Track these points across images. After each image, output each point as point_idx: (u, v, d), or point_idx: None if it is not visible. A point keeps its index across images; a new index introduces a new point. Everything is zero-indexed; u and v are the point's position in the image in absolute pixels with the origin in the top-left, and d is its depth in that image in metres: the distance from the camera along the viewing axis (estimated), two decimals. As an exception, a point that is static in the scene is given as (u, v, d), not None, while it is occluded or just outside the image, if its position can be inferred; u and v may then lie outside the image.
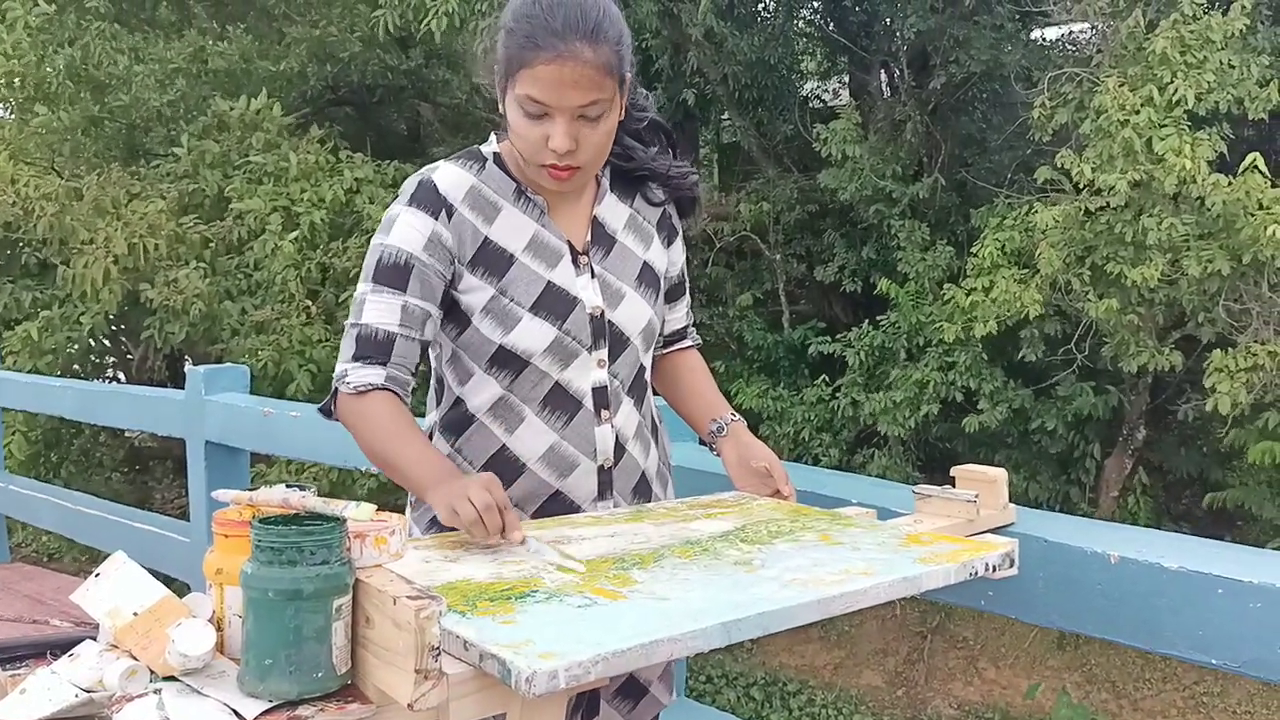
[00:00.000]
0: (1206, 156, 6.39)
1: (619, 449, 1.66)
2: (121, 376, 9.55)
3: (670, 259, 1.79)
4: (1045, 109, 7.30)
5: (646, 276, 1.71)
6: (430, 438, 1.66)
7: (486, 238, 1.61)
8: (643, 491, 1.70)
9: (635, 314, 1.67)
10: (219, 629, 1.09)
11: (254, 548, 1.01)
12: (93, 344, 8.74)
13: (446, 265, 1.58)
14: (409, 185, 1.60)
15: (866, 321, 8.91)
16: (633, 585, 1.22)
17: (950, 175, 9.44)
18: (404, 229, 1.57)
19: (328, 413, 1.60)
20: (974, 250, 7.74)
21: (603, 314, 1.64)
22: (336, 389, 1.57)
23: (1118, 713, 8.18)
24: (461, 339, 1.63)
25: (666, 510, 1.60)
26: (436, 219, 1.57)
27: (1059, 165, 7.00)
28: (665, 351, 1.87)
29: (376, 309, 1.56)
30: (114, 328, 8.87)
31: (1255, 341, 6.48)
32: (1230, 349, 6.54)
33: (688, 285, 1.87)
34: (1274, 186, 6.24)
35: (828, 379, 8.98)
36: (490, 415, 1.62)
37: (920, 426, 8.49)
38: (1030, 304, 6.90)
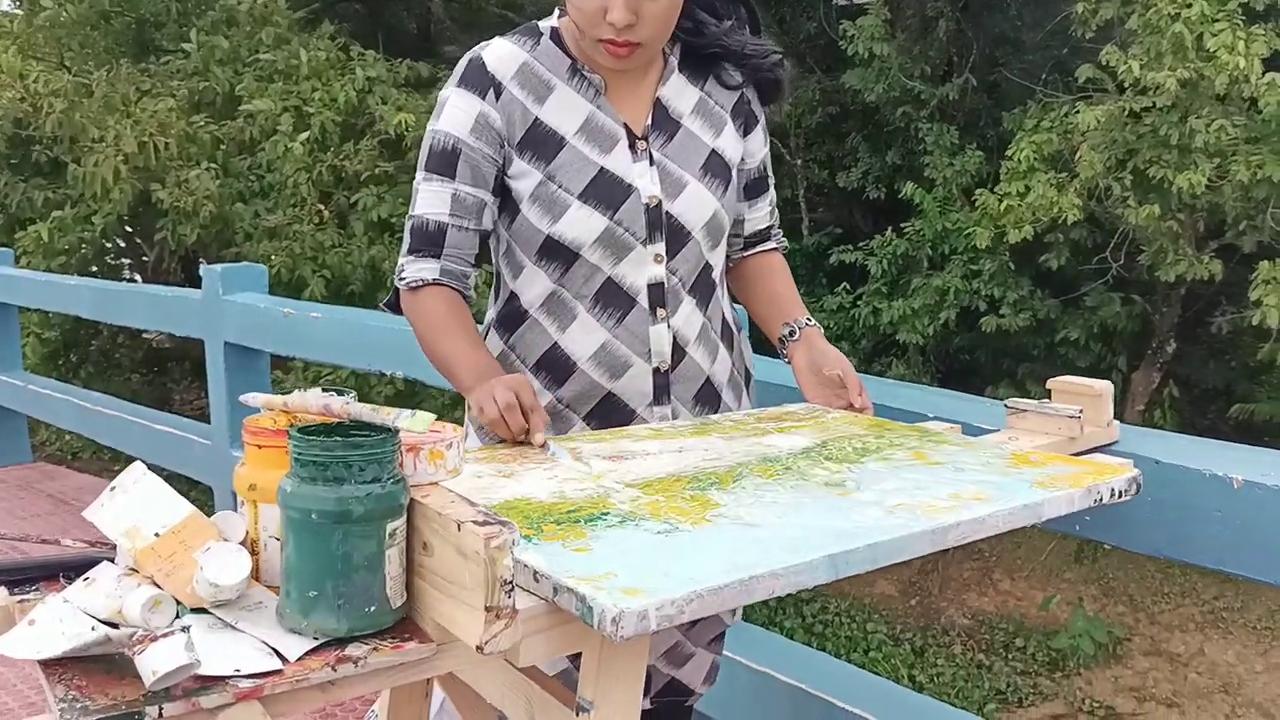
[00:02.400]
0: (1261, 54, 6.09)
1: (678, 351, 1.53)
2: (138, 278, 9.42)
3: (747, 149, 1.63)
4: (1090, 2, 6.96)
5: (714, 166, 1.55)
6: (486, 335, 1.59)
7: (537, 118, 1.49)
8: (708, 400, 1.57)
9: (697, 206, 1.51)
10: (253, 553, 0.95)
11: (293, 461, 0.86)
12: (107, 245, 8.59)
13: (496, 148, 1.50)
14: (460, 65, 1.51)
15: (890, 229, 8.68)
16: (715, 509, 1.08)
17: (982, 76, 9.09)
18: (452, 112, 1.49)
19: (394, 308, 1.55)
20: (1009, 153, 7.46)
21: (660, 205, 1.50)
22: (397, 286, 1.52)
23: (1134, 625, 8.16)
24: (513, 228, 1.53)
25: (734, 423, 1.46)
26: (484, 99, 1.48)
27: (1103, 63, 6.69)
28: (746, 254, 1.71)
29: (428, 199, 1.50)
30: (129, 229, 8.72)
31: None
32: (1278, 259, 6.31)
33: (771, 181, 1.70)
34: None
35: (849, 287, 8.78)
36: (543, 311, 1.53)
37: (939, 335, 8.33)
38: (1069, 209, 6.67)
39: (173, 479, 1.06)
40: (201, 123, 7.70)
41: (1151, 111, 6.58)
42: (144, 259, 9.30)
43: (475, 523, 0.84)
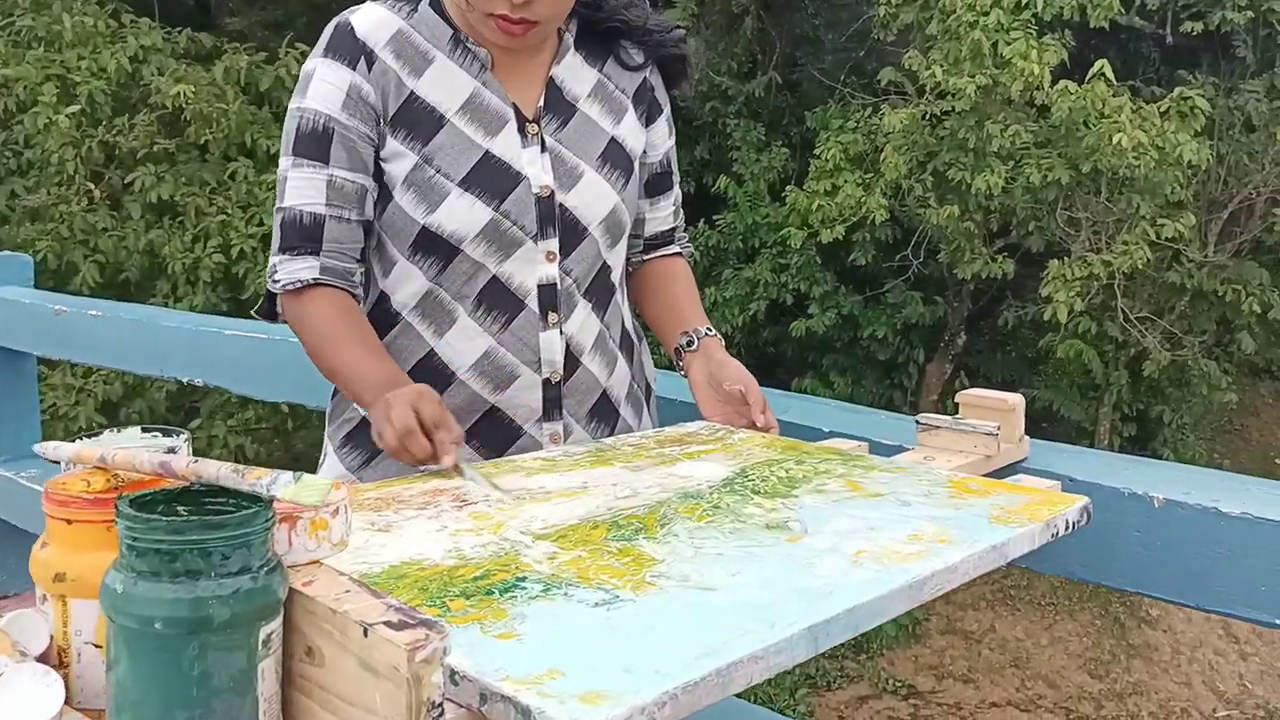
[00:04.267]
0: (1051, 63, 6.40)
1: (571, 361, 1.35)
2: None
3: (650, 141, 1.45)
4: (890, 6, 7.15)
5: (614, 156, 1.37)
6: None
7: (412, 92, 1.29)
8: (604, 416, 1.39)
9: (595, 199, 1.33)
10: (61, 665, 0.70)
11: (125, 548, 0.62)
12: None
13: (372, 125, 1.29)
14: (326, 32, 1.33)
15: (702, 220, 8.71)
16: (653, 566, 0.89)
17: (785, 75, 9.25)
18: (320, 86, 1.30)
19: (269, 315, 1.36)
20: (817, 152, 7.60)
21: (552, 196, 1.31)
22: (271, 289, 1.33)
23: (931, 605, 8.46)
24: (384, 218, 1.31)
25: (634, 447, 1.27)
26: (354, 69, 1.29)
27: (905, 66, 6.88)
28: (646, 258, 1.53)
29: (299, 187, 1.30)
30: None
31: (1090, 251, 6.61)
32: (1066, 258, 6.66)
33: (676, 178, 1.52)
34: (1115, 96, 6.30)
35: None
36: (417, 314, 1.33)
37: (748, 326, 8.43)
38: (875, 208, 6.83)
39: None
40: (-55, 94, 6.88)
41: (951, 115, 6.81)
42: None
43: (389, 625, 0.62)
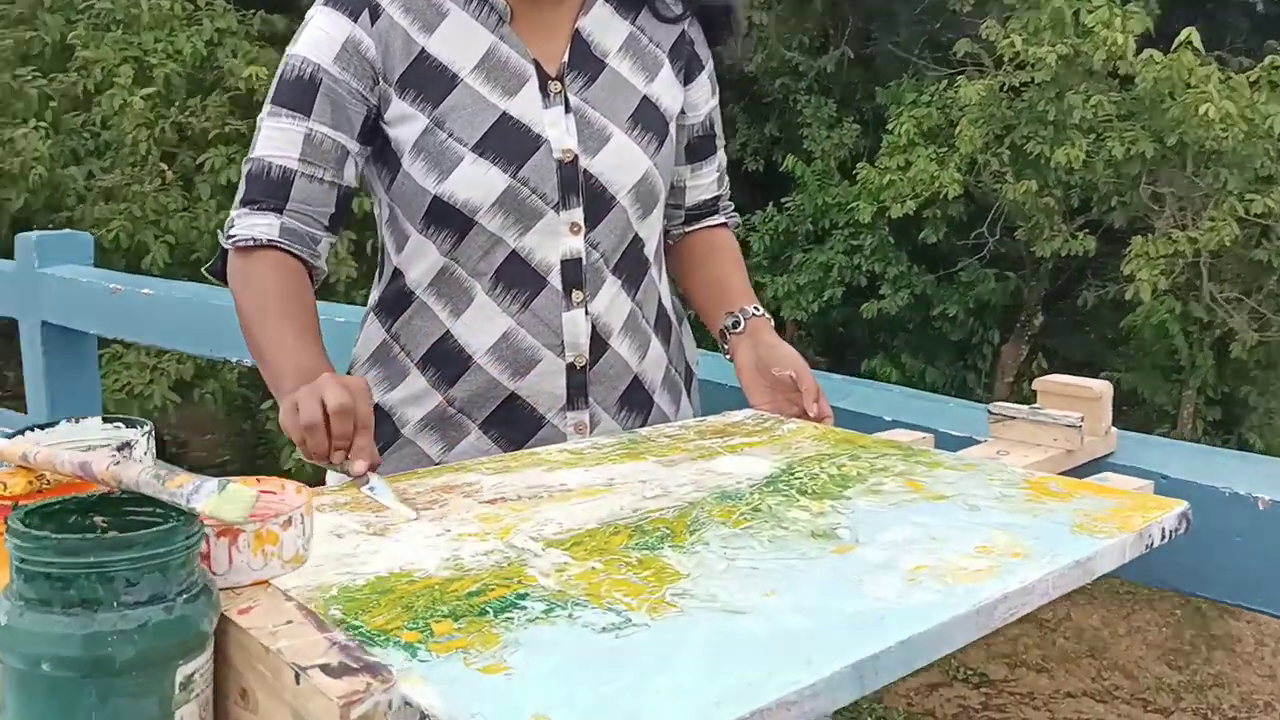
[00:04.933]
0: (1136, 31, 6.09)
1: (598, 343, 1.23)
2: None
3: (690, 100, 1.33)
4: (968, -25, 6.88)
5: (647, 117, 1.24)
6: (365, 322, 1.31)
7: (423, 50, 1.18)
8: (636, 404, 1.27)
9: (624, 163, 1.21)
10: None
11: (13, 571, 0.51)
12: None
13: (367, 84, 1.18)
14: None
15: (770, 204, 8.53)
16: (676, 581, 0.77)
17: (857, 49, 9.00)
18: (314, 34, 1.20)
19: (220, 275, 1.23)
20: (889, 127, 7.36)
21: (576, 161, 1.19)
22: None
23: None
24: (394, 189, 1.20)
25: (670, 439, 1.15)
26: (356, 21, 1.19)
27: (982, 37, 6.62)
28: (687, 230, 1.40)
29: (272, 138, 1.19)
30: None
31: (1175, 227, 6.30)
32: (1150, 235, 6.36)
33: (721, 142, 1.39)
34: (1203, 65, 5.98)
35: (730, 260, 8.61)
36: (431, 292, 1.22)
37: (823, 311, 8.25)
38: (949, 184, 6.58)
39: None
40: (28, 75, 6.97)
41: (1029, 87, 6.53)
42: (-26, 228, 8.49)
43: (327, 669, 0.51)
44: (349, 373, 1.30)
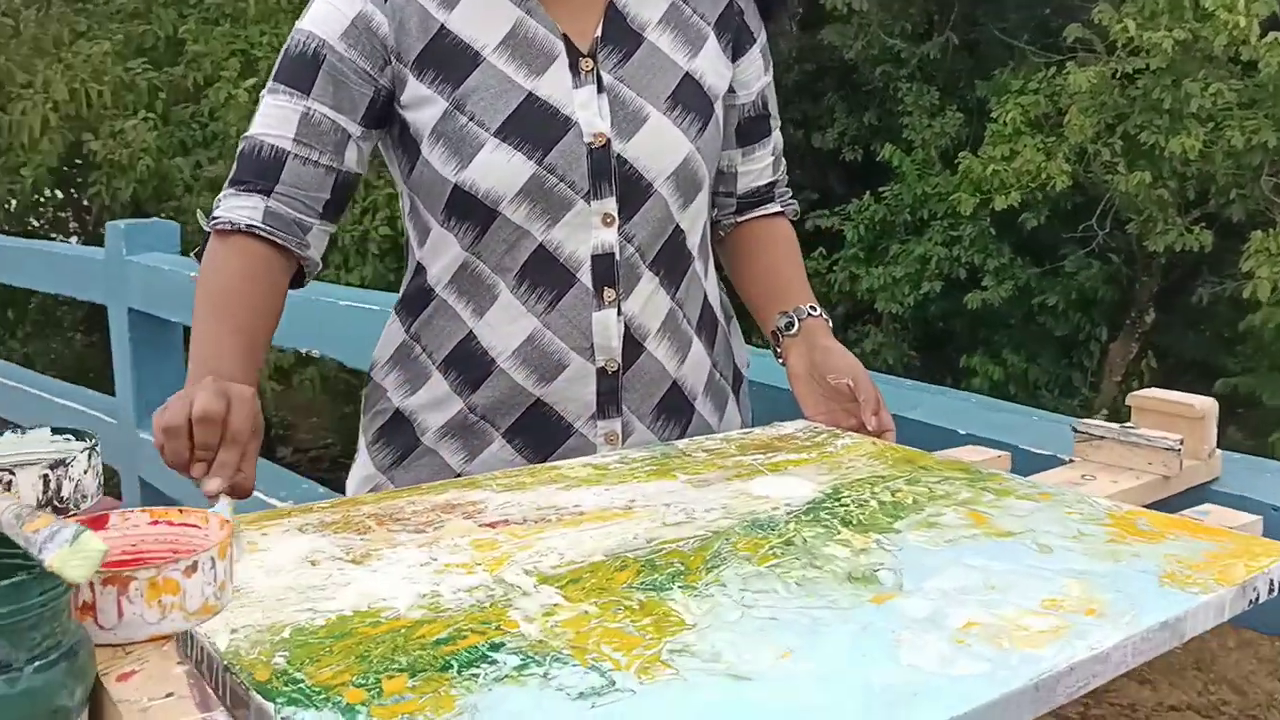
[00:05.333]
0: (1260, 14, 5.72)
1: (632, 346, 1.13)
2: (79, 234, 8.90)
3: (739, 78, 1.21)
4: (1080, -42, 6.56)
5: (688, 95, 1.13)
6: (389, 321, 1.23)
7: (443, 27, 1.09)
8: (674, 411, 1.16)
9: (662, 147, 1.10)
10: None
11: None
12: (40, 199, 8.03)
13: (377, 65, 1.09)
14: None
15: (867, 193, 8.29)
16: (677, 633, 0.67)
17: (962, 35, 8.69)
18: (322, 8, 1.11)
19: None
20: (994, 115, 7.07)
21: (608, 145, 1.09)
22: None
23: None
24: (413, 178, 1.12)
25: (709, 454, 1.04)
26: None
27: (1095, 21, 6.30)
28: (739, 220, 1.28)
29: (268, 115, 1.11)
30: (78, 180, 8.16)
31: (1301, 222, 5.92)
32: (1271, 230, 5.99)
33: (776, 123, 1.27)
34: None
35: (824, 251, 8.41)
36: (452, 289, 1.13)
37: (919, 304, 8.01)
38: (1057, 174, 6.29)
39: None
40: (139, 68, 7.16)
41: (1144, 74, 6.20)
42: (87, 215, 8.75)
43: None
44: (369, 375, 1.22)
